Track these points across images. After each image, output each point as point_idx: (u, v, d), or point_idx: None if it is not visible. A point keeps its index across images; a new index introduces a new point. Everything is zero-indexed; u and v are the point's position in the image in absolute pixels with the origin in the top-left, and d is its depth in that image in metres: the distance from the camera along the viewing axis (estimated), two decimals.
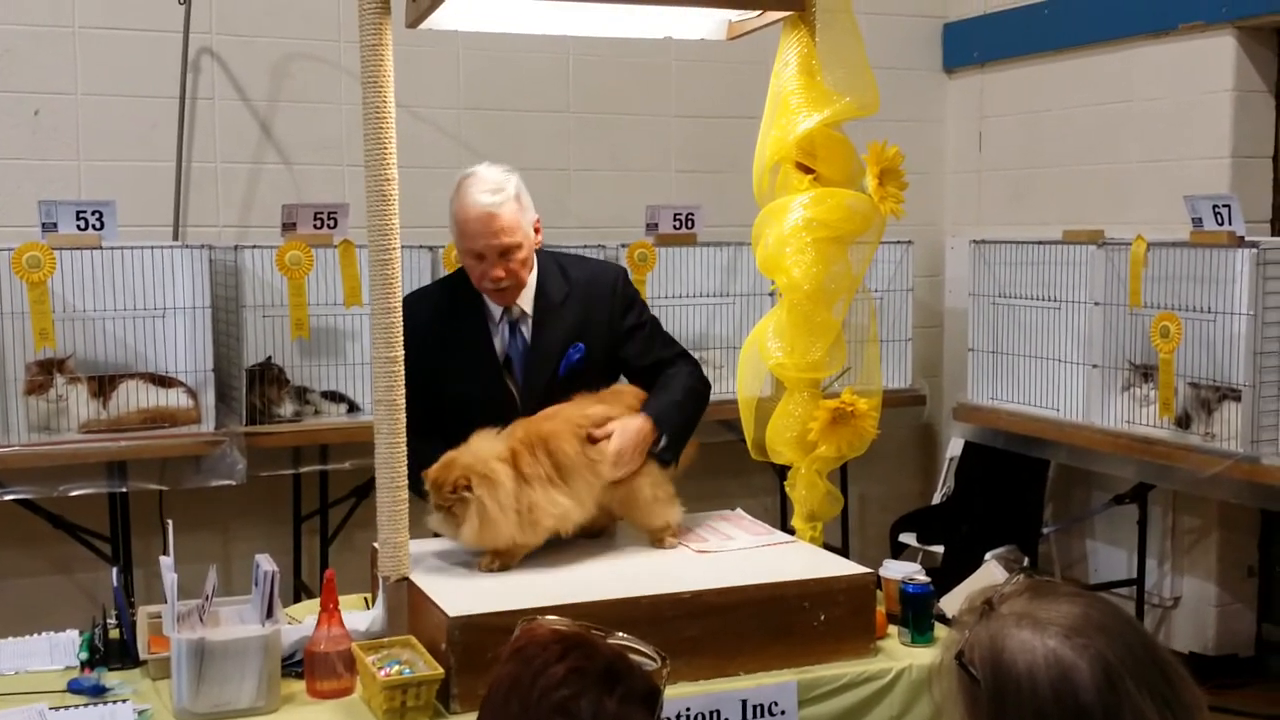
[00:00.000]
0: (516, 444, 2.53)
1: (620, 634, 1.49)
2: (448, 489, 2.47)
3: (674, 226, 4.44)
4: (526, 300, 2.87)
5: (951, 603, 2.77)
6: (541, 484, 2.50)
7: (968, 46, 5.24)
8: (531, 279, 2.87)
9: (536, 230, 2.86)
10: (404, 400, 2.44)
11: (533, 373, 2.85)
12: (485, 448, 2.53)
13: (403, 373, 2.44)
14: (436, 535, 2.66)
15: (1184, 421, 3.85)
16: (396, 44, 2.41)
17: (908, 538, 4.76)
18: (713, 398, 4.37)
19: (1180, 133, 4.41)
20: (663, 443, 2.72)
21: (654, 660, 1.47)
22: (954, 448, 4.95)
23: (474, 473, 2.47)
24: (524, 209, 2.82)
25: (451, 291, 2.92)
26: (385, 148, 2.41)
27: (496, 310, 2.87)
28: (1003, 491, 4.67)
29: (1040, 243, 4.41)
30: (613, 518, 2.76)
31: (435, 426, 2.63)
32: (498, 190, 2.77)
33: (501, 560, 2.52)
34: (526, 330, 2.87)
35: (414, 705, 2.17)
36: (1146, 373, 3.98)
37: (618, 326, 2.93)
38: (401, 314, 2.46)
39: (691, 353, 4.60)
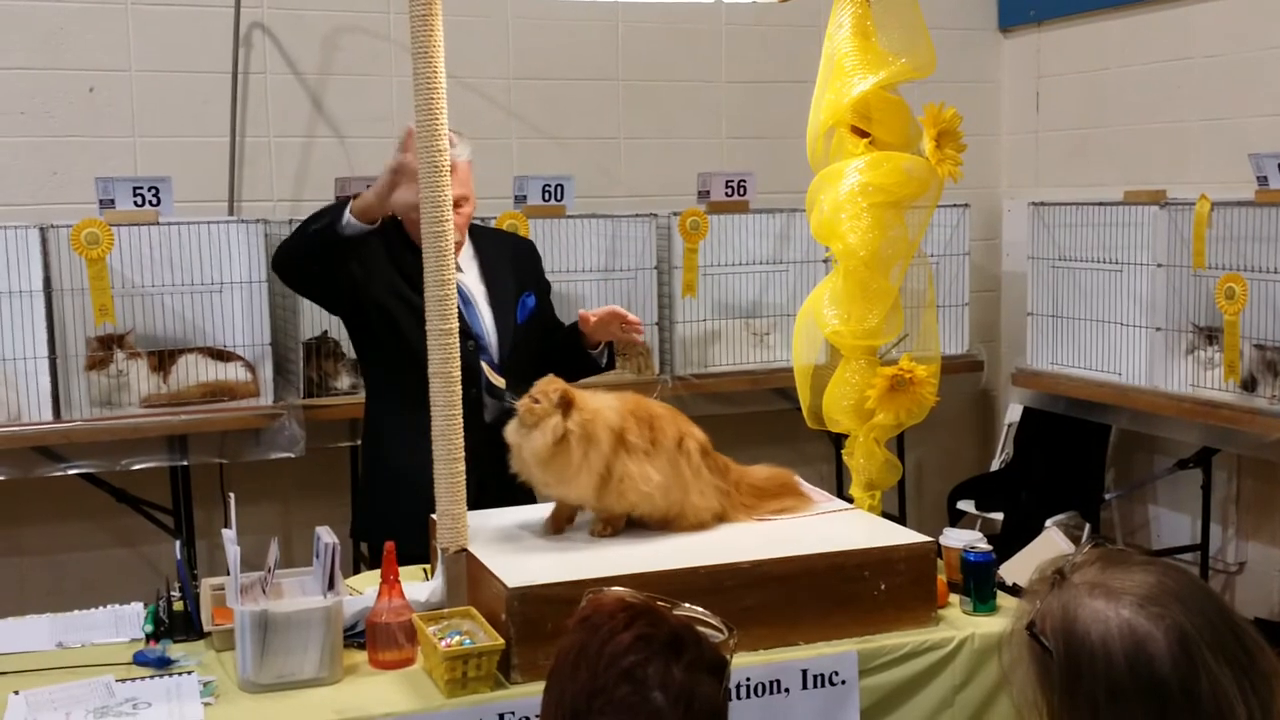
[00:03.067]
0: (628, 414, 2.51)
1: (687, 605, 1.49)
2: (543, 390, 2.45)
3: (726, 194, 4.41)
4: (463, 255, 3.10)
5: (1011, 571, 2.74)
6: (639, 456, 2.48)
7: (1024, 5, 5.14)
8: (466, 243, 3.14)
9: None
10: (459, 372, 2.43)
11: (495, 319, 3.10)
12: (603, 404, 2.49)
13: (458, 345, 2.43)
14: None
15: (1249, 384, 3.78)
16: (446, 14, 2.39)
17: (966, 505, 4.72)
18: (768, 365, 4.44)
19: (1243, 89, 4.31)
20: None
21: (721, 631, 1.47)
22: (1012, 414, 4.89)
23: (581, 411, 2.43)
24: (471, 171, 3.10)
25: (387, 239, 3.06)
26: (436, 118, 2.39)
27: None
28: (1063, 457, 4.61)
29: (1100, 204, 4.34)
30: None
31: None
32: (454, 144, 2.94)
33: (611, 526, 2.52)
34: (461, 282, 3.02)
35: (475, 675, 2.18)
36: (1211, 335, 3.91)
37: (541, 285, 3.27)
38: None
39: (744, 321, 4.63)
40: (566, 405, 2.44)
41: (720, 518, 2.59)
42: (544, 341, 3.22)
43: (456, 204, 2.88)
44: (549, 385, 2.47)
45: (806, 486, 2.92)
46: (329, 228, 2.88)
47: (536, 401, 2.45)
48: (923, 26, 2.75)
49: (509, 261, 3.20)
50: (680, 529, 2.55)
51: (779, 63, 4.83)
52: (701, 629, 1.45)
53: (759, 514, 2.65)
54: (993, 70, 5.29)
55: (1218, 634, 1.31)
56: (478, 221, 3.46)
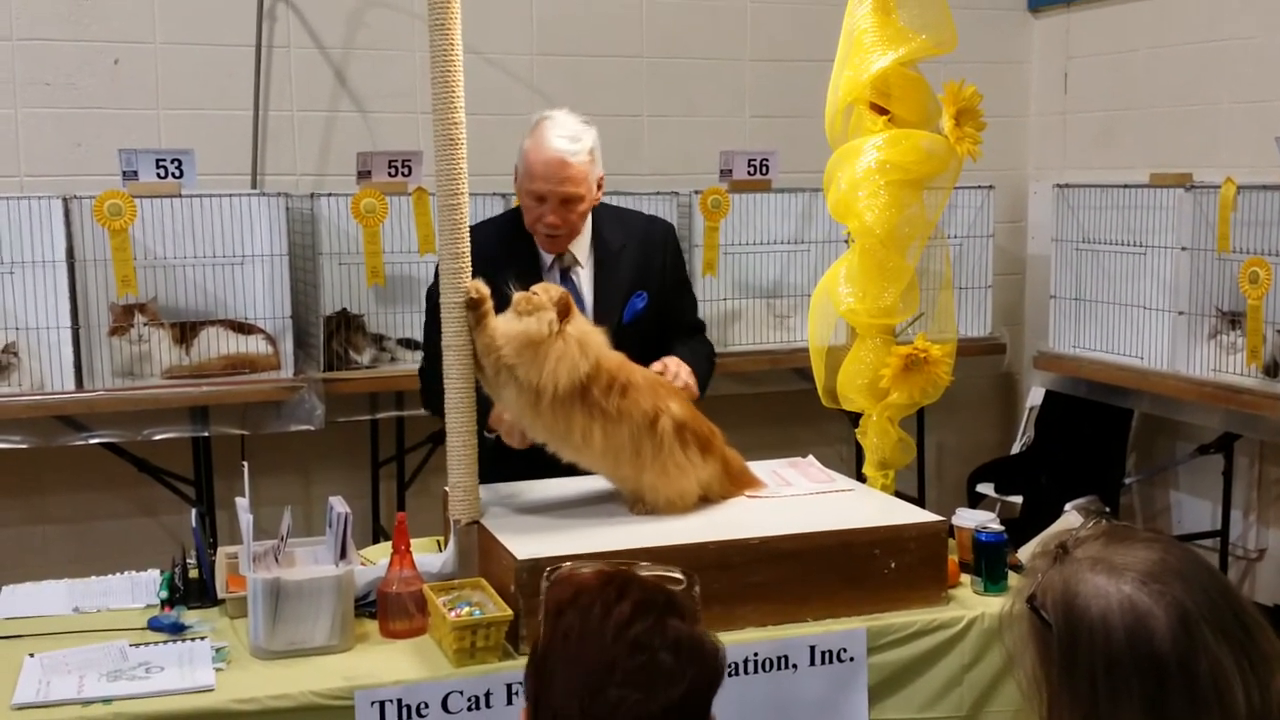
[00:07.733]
0: (604, 369, 2.47)
1: (644, 563, 1.52)
2: (544, 288, 2.43)
3: (748, 172, 4.39)
4: (580, 248, 2.93)
5: (1029, 553, 2.73)
6: (597, 415, 2.45)
7: None
8: (586, 228, 2.93)
9: (599, 186, 2.91)
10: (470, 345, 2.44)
11: (596, 319, 2.83)
12: (597, 341, 2.48)
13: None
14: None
15: (1272, 370, 3.74)
16: None
17: (985, 488, 4.71)
18: (789, 345, 4.43)
19: (1272, 72, 4.26)
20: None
21: (681, 581, 1.52)
22: (1034, 397, 4.87)
23: (576, 325, 2.42)
24: (594, 164, 2.87)
25: (513, 227, 2.96)
26: (453, 92, 2.40)
27: (548, 256, 2.92)
28: (1084, 441, 4.59)
29: (1126, 186, 4.30)
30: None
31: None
32: (576, 139, 2.83)
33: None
34: (577, 278, 2.93)
35: (484, 646, 2.19)
36: (1234, 320, 3.88)
37: (669, 278, 3.02)
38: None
39: (765, 301, 4.58)
40: (565, 310, 2.41)
41: (685, 497, 2.53)
42: (661, 337, 2.97)
43: (565, 201, 2.81)
44: (551, 288, 2.44)
45: (818, 468, 2.92)
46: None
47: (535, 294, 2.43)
48: (944, 3, 2.74)
49: (632, 251, 2.98)
50: (643, 507, 2.53)
51: (804, 40, 4.81)
52: (671, 587, 1.49)
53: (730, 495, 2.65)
54: (1022, 51, 5.25)
55: (1218, 613, 1.30)
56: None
